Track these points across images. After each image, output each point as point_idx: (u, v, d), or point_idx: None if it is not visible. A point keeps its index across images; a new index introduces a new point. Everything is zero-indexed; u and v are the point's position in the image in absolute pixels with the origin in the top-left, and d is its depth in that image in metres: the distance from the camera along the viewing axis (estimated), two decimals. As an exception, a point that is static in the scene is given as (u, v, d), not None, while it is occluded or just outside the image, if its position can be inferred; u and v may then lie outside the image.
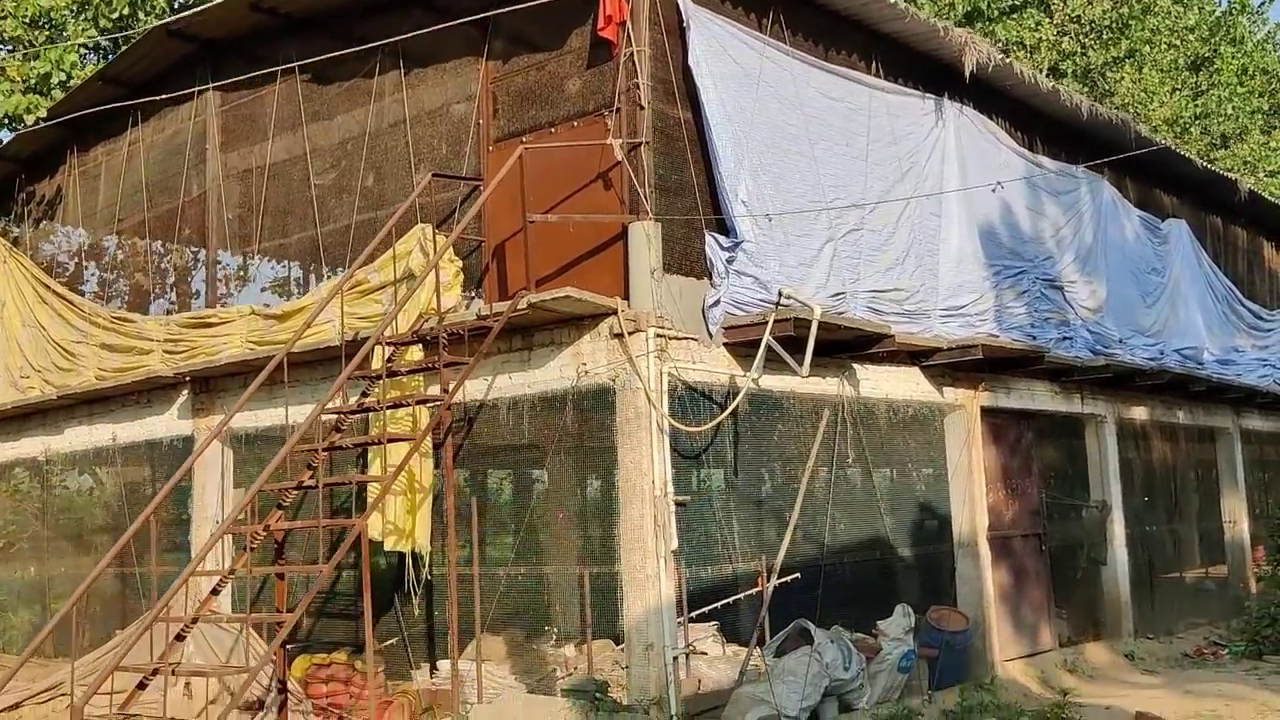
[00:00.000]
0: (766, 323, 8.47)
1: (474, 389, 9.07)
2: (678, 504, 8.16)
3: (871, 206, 10.24)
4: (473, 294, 9.41)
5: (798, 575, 10.90)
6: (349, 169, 10.59)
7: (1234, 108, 30.10)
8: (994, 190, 11.47)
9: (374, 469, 8.74)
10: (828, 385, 9.66)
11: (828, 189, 9.82)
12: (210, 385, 11.19)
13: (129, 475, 12.18)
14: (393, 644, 9.55)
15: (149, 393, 11.79)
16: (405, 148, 10.08)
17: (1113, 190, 13.99)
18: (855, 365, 9.94)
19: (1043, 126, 12.86)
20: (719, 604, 9.13)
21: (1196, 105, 30.95)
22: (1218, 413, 15.68)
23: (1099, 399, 13.07)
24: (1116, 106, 25.64)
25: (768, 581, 9.09)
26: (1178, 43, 30.47)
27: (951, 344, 10.49)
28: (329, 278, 10.85)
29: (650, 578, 7.91)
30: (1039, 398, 12.15)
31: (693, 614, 8.74)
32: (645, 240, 8.29)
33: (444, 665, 8.98)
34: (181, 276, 12.63)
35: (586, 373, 8.40)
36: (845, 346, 9.63)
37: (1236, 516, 15.71)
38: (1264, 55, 34.39)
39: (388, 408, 8.58)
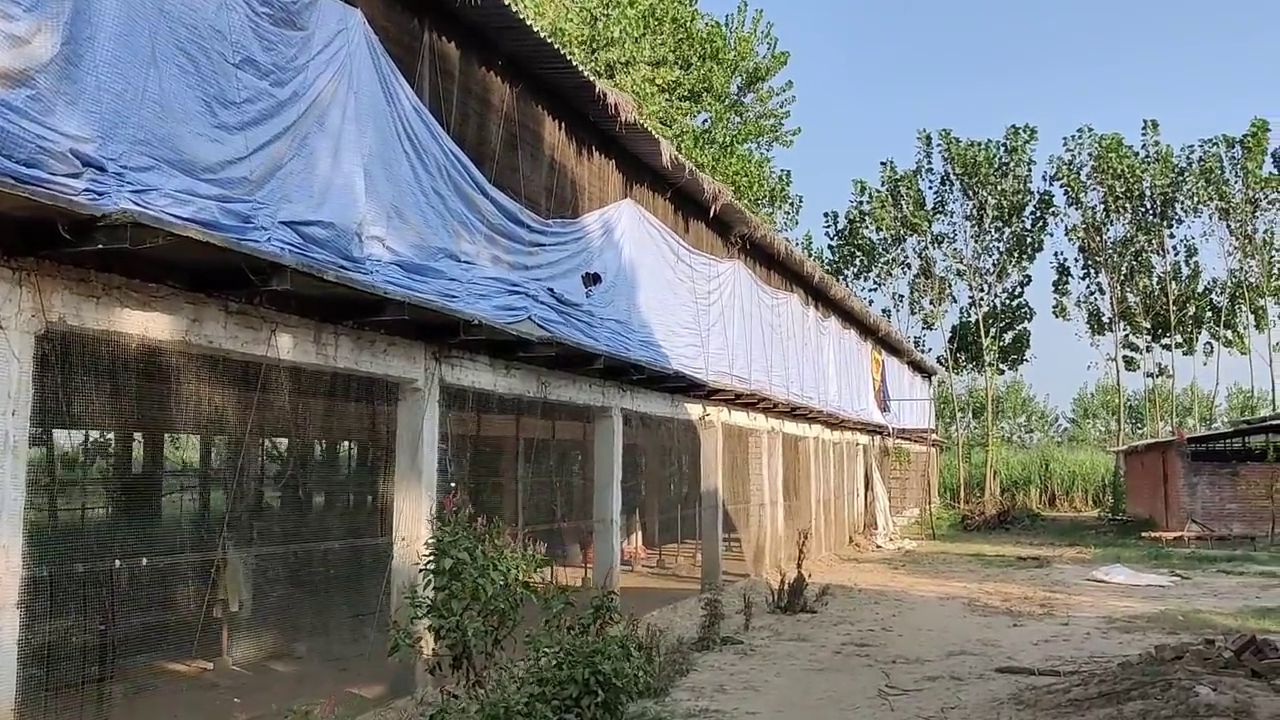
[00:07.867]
0: None
1: None
2: None
3: None
4: None
5: None
6: None
7: (623, 31, 25.81)
8: None
9: None
10: None
11: None
12: None
13: None
14: None
15: None
16: None
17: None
18: None
19: None
20: None
21: (588, 27, 26.53)
22: (396, 352, 9.25)
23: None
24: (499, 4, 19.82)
25: None
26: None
27: None
28: None
29: None
30: None
31: None
32: None
33: None
34: None
35: None
36: None
37: (413, 530, 9.32)
38: (676, 6, 32.29)
39: None
